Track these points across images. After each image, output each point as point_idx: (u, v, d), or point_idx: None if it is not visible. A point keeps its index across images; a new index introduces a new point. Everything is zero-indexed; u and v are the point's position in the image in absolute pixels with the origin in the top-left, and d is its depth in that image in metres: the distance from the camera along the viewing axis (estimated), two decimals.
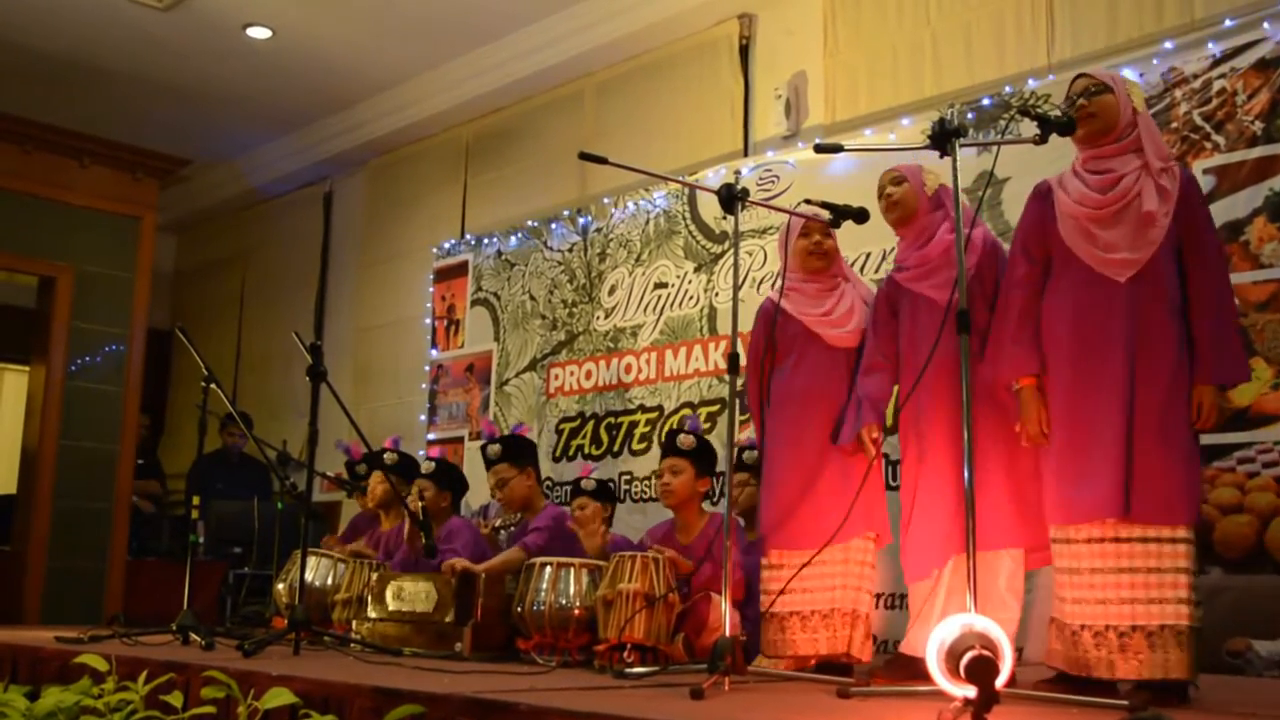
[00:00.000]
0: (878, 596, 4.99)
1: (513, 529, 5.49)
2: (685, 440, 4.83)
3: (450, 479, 5.70)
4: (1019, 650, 4.02)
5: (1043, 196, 3.63)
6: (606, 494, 5.23)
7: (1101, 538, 3.35)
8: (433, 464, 5.69)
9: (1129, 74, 4.81)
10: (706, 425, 6.00)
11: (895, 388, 4.10)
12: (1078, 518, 3.40)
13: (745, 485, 4.78)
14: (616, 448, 6.58)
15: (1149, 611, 3.25)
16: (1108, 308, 3.42)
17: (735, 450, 4.64)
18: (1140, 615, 3.26)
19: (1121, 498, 3.30)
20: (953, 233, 3.85)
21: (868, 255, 5.50)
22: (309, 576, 5.28)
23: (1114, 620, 3.29)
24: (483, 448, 5.50)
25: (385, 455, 5.90)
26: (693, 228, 6.51)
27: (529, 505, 5.37)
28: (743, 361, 4.21)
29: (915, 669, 3.53)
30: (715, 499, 5.65)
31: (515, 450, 5.45)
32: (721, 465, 5.57)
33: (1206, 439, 4.38)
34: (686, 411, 6.19)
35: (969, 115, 5.34)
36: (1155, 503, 3.28)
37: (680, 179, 6.20)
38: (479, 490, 6.20)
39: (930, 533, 3.81)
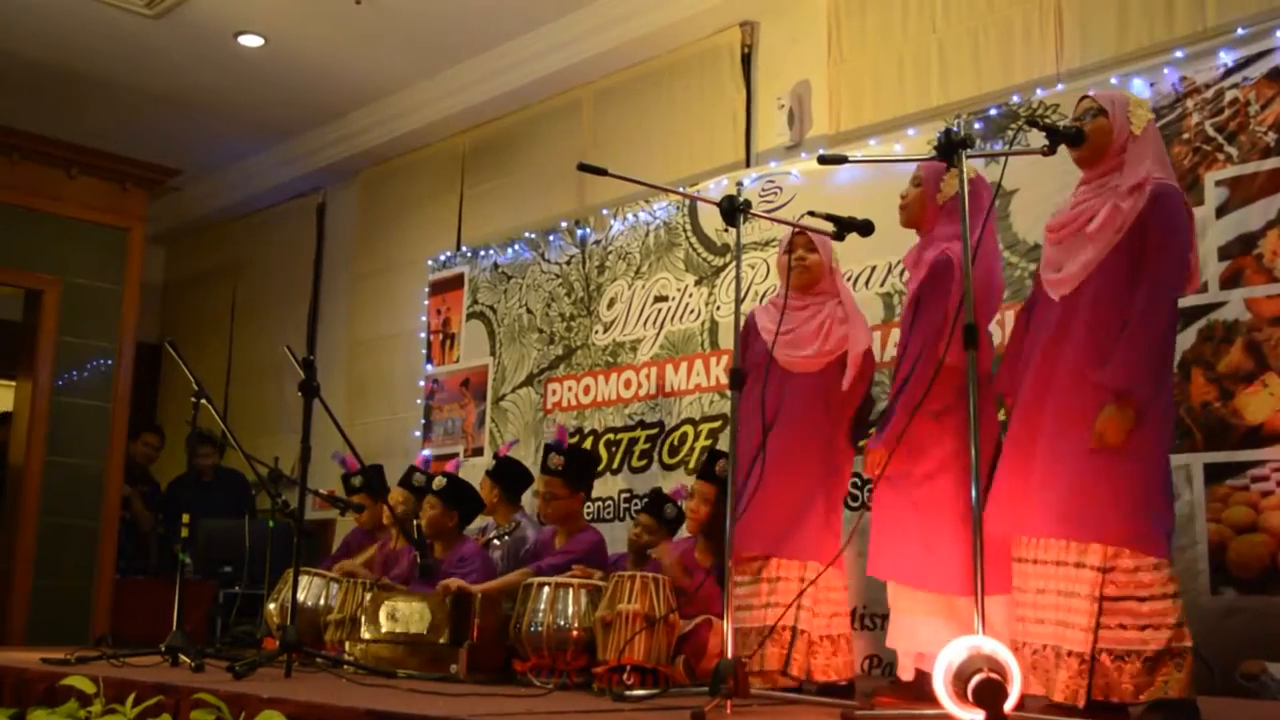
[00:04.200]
0: (876, 616, 4.96)
1: (506, 538, 5.41)
2: (723, 468, 4.71)
3: (460, 498, 5.58)
4: None
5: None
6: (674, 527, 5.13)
7: (1022, 558, 3.47)
8: (444, 480, 5.56)
9: (1139, 83, 4.78)
10: (708, 442, 5.93)
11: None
12: (1001, 528, 3.49)
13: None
14: (616, 464, 6.50)
15: (1058, 634, 3.32)
16: (1045, 327, 3.51)
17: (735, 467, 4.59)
18: (1051, 636, 3.34)
19: (1023, 513, 3.42)
20: (928, 246, 3.95)
21: (872, 269, 5.45)
22: (301, 596, 5.20)
23: (1030, 638, 3.40)
24: (547, 450, 5.32)
25: (415, 476, 5.83)
26: (693, 240, 6.44)
27: (564, 523, 5.23)
28: None
29: (922, 689, 3.48)
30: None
31: (578, 469, 5.26)
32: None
33: (1218, 457, 4.40)
34: (686, 430, 6.12)
35: (976, 125, 5.31)
36: (1053, 520, 3.35)
37: (681, 190, 6.17)
38: None
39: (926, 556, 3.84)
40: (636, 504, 6.17)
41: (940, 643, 3.50)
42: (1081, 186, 3.56)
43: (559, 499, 5.16)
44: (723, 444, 5.85)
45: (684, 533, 4.99)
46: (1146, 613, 3.22)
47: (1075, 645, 3.25)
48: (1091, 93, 3.62)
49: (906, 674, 3.88)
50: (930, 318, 3.84)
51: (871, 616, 5.02)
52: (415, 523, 5.25)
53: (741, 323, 4.00)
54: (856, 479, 5.01)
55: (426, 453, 7.74)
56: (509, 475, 5.69)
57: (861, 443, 4.29)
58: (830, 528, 4.17)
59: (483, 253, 7.76)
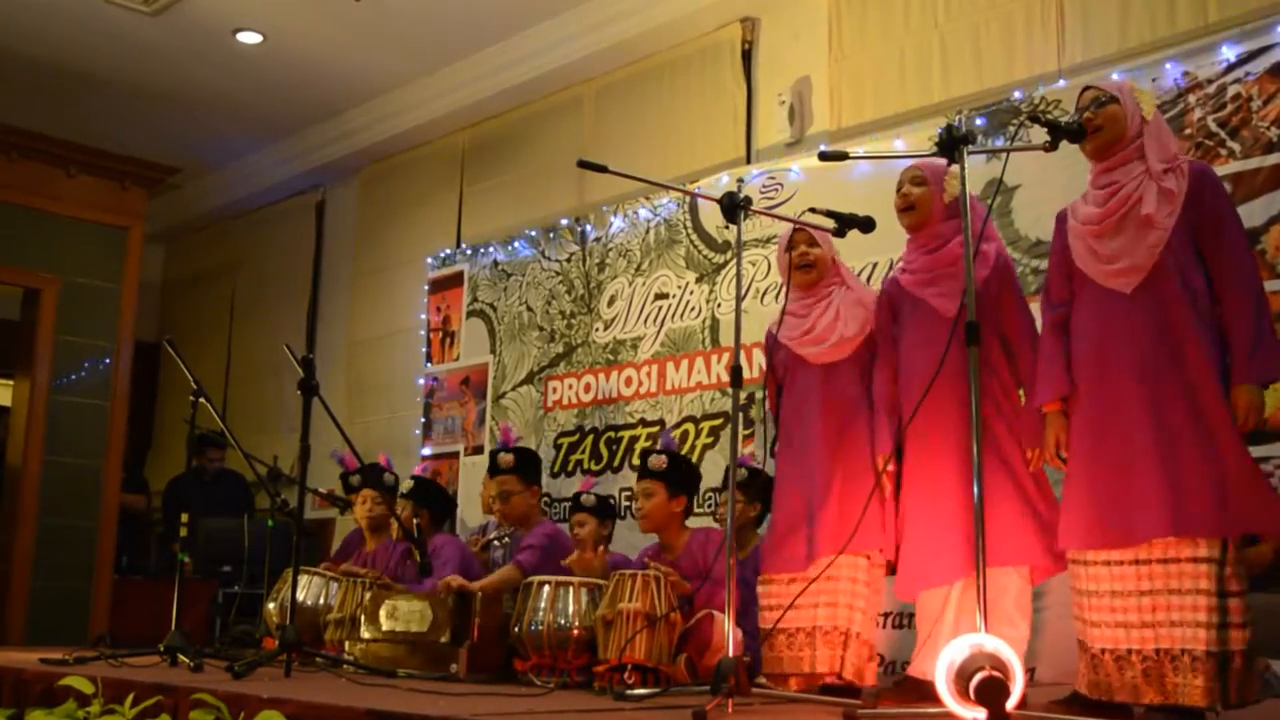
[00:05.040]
0: (884, 615, 4.92)
1: (506, 540, 5.41)
2: (655, 462, 4.77)
3: (429, 497, 5.61)
4: (1030, 671, 3.94)
5: (1061, 221, 3.64)
6: (606, 510, 5.18)
7: (1120, 560, 3.29)
8: (411, 482, 5.63)
9: (1141, 79, 4.75)
10: (709, 439, 5.90)
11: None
12: (1111, 543, 3.32)
13: (736, 503, 4.72)
14: (616, 463, 6.48)
15: (1171, 635, 3.18)
16: (1120, 322, 3.38)
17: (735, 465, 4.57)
18: (1164, 639, 3.19)
19: (1155, 517, 3.23)
20: (942, 245, 3.89)
21: (874, 265, 5.42)
22: (300, 596, 5.18)
23: (1136, 644, 3.24)
24: (494, 453, 5.38)
25: (384, 476, 5.83)
26: (694, 237, 6.41)
27: (525, 522, 5.29)
28: (746, 374, 4.16)
29: (925, 692, 3.47)
30: (717, 515, 5.56)
31: (527, 464, 5.36)
32: (718, 482, 5.51)
33: None
34: (687, 428, 6.09)
35: (978, 121, 5.27)
36: (1188, 517, 3.20)
37: (681, 187, 6.14)
38: (475, 507, 6.11)
39: (934, 549, 3.74)
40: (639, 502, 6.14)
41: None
42: (1102, 176, 3.49)
43: (515, 494, 5.22)
44: (723, 442, 5.86)
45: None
46: (1242, 608, 3.17)
47: (1200, 645, 3.13)
48: (1095, 83, 3.58)
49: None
50: (1013, 318, 3.82)
51: (882, 616, 4.99)
52: (416, 522, 5.24)
53: (744, 321, 3.97)
54: None
55: (426, 450, 7.71)
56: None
57: None
58: (884, 516, 4.05)
59: (482, 250, 7.73)
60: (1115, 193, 3.42)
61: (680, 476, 4.80)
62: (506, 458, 5.27)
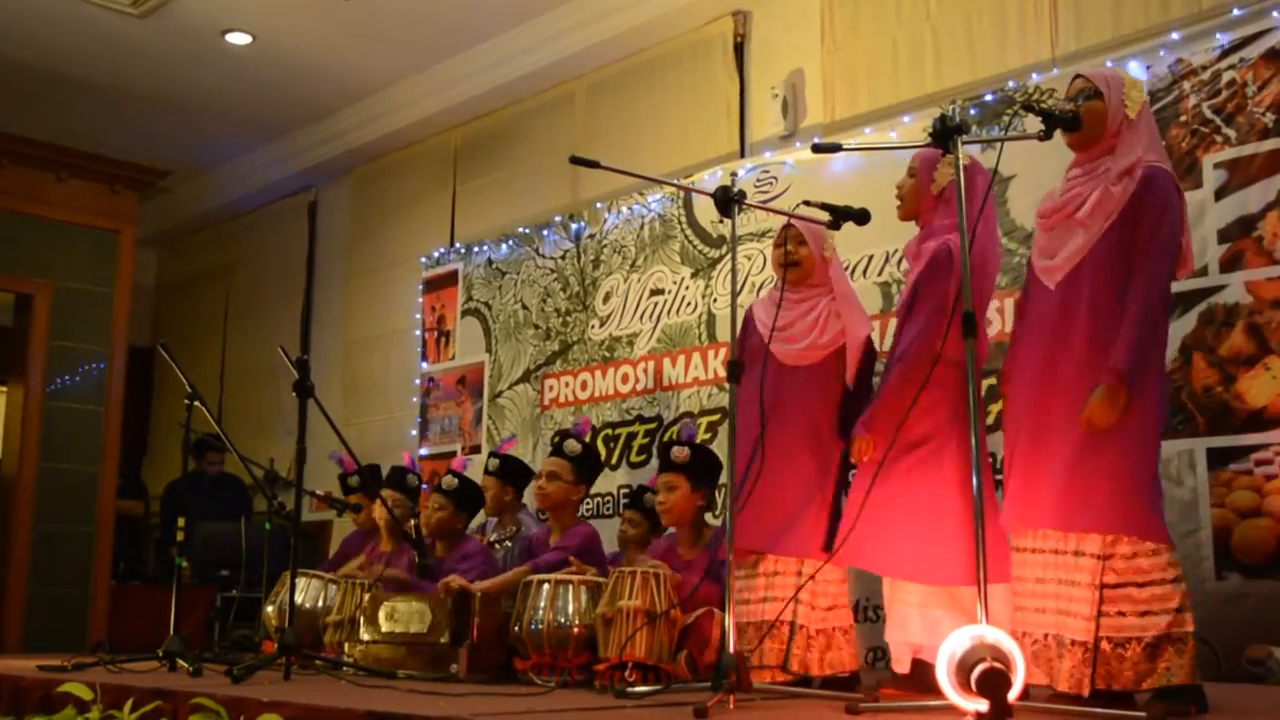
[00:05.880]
0: (877, 608, 4.93)
1: (508, 543, 5.38)
2: (678, 454, 4.66)
3: (470, 499, 5.53)
4: None
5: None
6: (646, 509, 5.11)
7: (1020, 547, 3.44)
8: (455, 480, 5.46)
9: (1135, 66, 4.74)
10: (707, 435, 5.89)
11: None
12: (1009, 526, 3.49)
13: None
14: (615, 460, 6.46)
15: (1059, 623, 3.30)
16: (1039, 315, 3.48)
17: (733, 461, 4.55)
18: (1053, 625, 3.33)
19: (1029, 508, 3.38)
20: (927, 237, 3.92)
21: (870, 257, 5.42)
22: (299, 598, 5.17)
23: (1031, 627, 3.37)
24: (563, 438, 5.29)
25: (408, 477, 5.78)
26: (689, 232, 6.40)
27: (557, 510, 5.17)
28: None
29: (927, 680, 3.45)
30: (718, 512, 5.55)
31: (586, 460, 5.26)
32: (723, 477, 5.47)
33: (1221, 441, 4.35)
34: (686, 420, 6.07)
35: (972, 111, 5.27)
36: (1060, 511, 3.31)
37: (675, 182, 6.14)
38: None
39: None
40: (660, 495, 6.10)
41: (936, 634, 3.48)
42: (1073, 170, 3.51)
43: (563, 480, 5.09)
44: (721, 437, 5.84)
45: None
46: (1145, 599, 3.18)
47: (1078, 634, 3.22)
48: (1086, 72, 3.56)
49: (900, 666, 3.83)
50: (926, 309, 3.81)
51: (875, 609, 4.99)
52: (414, 523, 5.21)
53: (740, 315, 3.97)
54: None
55: (423, 451, 7.69)
56: (516, 473, 5.61)
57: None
58: (825, 522, 4.12)
59: (476, 249, 7.72)
60: (1069, 190, 3.45)
61: (703, 469, 4.71)
62: (574, 445, 5.19)
